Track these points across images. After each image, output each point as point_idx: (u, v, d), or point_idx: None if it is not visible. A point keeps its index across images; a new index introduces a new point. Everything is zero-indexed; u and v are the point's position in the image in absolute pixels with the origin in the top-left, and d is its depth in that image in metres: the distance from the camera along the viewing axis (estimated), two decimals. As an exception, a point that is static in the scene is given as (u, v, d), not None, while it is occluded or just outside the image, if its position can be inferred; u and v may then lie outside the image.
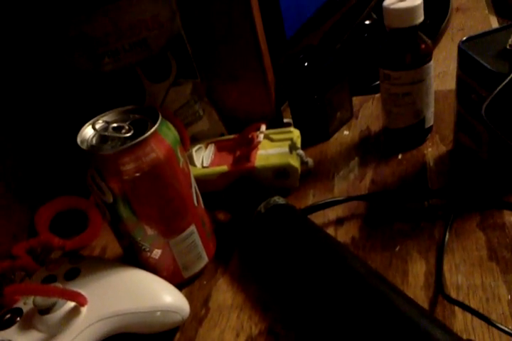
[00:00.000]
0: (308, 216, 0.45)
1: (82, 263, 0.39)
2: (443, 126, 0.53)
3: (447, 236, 0.40)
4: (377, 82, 0.51)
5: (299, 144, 0.51)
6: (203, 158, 0.52)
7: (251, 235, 0.46)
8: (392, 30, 0.46)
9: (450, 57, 0.66)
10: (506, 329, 0.31)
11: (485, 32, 0.43)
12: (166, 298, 0.37)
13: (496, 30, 0.43)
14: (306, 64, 0.52)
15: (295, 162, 0.49)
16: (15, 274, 0.46)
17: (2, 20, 0.47)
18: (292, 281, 0.40)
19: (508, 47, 0.40)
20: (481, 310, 0.34)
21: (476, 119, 0.43)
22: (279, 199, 0.43)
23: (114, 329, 0.35)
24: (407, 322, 0.30)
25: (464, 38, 0.43)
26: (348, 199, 0.45)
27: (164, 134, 0.36)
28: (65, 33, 0.46)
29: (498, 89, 0.37)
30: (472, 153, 0.45)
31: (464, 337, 0.33)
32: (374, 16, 0.70)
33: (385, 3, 0.45)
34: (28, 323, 0.35)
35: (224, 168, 0.49)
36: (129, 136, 0.35)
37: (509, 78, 0.37)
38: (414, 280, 0.38)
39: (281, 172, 0.48)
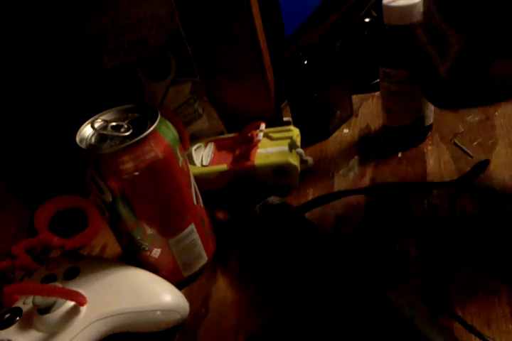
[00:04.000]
0: (307, 213, 0.44)
1: (82, 263, 0.39)
2: (443, 124, 0.53)
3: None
4: (377, 80, 0.51)
5: (298, 143, 0.51)
6: (203, 156, 0.52)
7: (249, 235, 0.45)
8: (392, 28, 0.46)
9: (450, 55, 0.66)
10: None
11: None
12: (165, 297, 0.37)
13: None
14: (305, 62, 0.52)
15: (295, 160, 0.49)
16: (14, 273, 0.46)
17: (1, 18, 0.46)
18: (292, 280, 0.40)
19: None
20: (481, 310, 0.34)
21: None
22: (275, 199, 0.43)
23: (114, 329, 0.35)
24: (404, 323, 0.30)
25: None
26: (346, 193, 0.45)
27: (163, 133, 0.36)
28: (65, 31, 0.46)
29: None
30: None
31: (464, 338, 0.33)
32: (374, 14, 0.70)
33: (384, 1, 0.45)
34: (27, 323, 0.35)
35: (223, 166, 0.49)
36: (128, 135, 0.35)
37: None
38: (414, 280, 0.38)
39: (281, 170, 0.48)
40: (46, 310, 0.34)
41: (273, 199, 0.43)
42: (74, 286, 0.36)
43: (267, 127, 0.52)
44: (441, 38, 0.34)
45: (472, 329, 0.33)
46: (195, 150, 0.52)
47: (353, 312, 0.33)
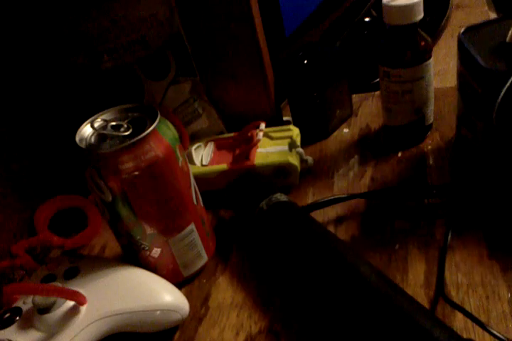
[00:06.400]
0: (309, 214, 0.44)
1: (82, 262, 0.39)
2: (443, 124, 0.53)
3: (449, 236, 0.40)
4: (377, 80, 0.51)
5: (298, 142, 0.51)
6: (203, 156, 0.52)
7: (253, 232, 0.45)
8: (392, 28, 0.46)
9: (450, 54, 0.66)
10: (500, 336, 0.31)
11: (486, 22, 0.42)
12: (165, 296, 0.37)
13: (498, 20, 0.42)
14: (305, 62, 0.52)
15: (295, 160, 0.49)
16: (14, 273, 0.46)
17: (1, 17, 0.46)
18: (293, 279, 0.40)
19: (508, 40, 0.39)
20: (481, 309, 0.34)
21: (474, 114, 0.42)
22: (281, 197, 0.43)
23: (114, 329, 0.35)
24: (406, 320, 0.30)
25: (464, 29, 0.42)
26: (351, 197, 0.45)
27: (163, 133, 0.36)
28: (64, 30, 0.46)
29: (502, 95, 0.36)
30: (471, 144, 0.44)
31: (464, 336, 0.33)
32: (374, 13, 0.70)
33: (384, 0, 0.44)
34: (27, 322, 0.35)
35: (223, 166, 0.49)
36: (128, 135, 0.35)
37: (510, 82, 0.36)
38: (414, 279, 0.38)
39: (281, 170, 0.48)
40: (46, 309, 0.34)
41: (279, 197, 0.43)
42: (74, 286, 0.36)
43: (266, 127, 0.52)
44: None
45: (472, 317, 0.33)
46: (195, 149, 0.52)
47: (354, 310, 0.33)
